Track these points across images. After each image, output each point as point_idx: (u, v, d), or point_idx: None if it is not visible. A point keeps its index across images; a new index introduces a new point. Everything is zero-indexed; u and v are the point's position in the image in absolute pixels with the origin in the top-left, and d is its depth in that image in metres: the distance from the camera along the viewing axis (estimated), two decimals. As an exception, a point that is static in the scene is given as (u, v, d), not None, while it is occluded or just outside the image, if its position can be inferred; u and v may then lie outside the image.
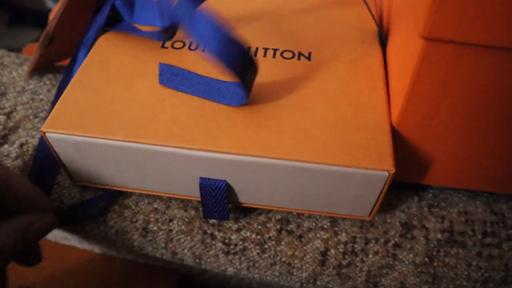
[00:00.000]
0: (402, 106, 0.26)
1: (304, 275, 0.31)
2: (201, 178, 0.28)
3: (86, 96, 0.29)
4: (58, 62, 0.40)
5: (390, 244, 0.31)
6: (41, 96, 0.37)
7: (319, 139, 0.27)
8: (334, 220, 0.32)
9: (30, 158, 0.33)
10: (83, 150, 0.28)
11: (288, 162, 0.26)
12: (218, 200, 0.29)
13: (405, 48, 0.26)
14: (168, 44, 0.34)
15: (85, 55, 0.34)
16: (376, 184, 0.27)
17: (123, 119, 0.28)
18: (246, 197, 0.30)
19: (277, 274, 0.32)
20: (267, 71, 0.31)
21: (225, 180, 0.28)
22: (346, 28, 0.35)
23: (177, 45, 0.34)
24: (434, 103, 0.25)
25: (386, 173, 0.26)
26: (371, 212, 0.30)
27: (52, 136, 0.28)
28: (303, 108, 0.29)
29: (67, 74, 0.35)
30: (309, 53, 0.33)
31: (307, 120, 0.28)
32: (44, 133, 0.28)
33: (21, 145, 0.34)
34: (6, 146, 0.34)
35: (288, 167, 0.26)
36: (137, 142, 0.27)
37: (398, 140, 0.28)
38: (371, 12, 0.34)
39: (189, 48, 0.33)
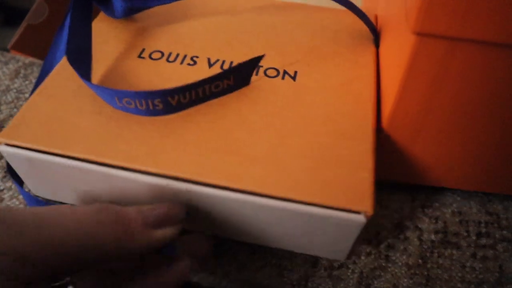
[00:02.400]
0: (393, 104, 0.25)
1: (295, 276, 0.31)
2: None
3: (50, 106, 0.27)
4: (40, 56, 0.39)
5: (382, 246, 0.30)
6: (26, 95, 0.36)
7: (293, 172, 0.24)
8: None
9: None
10: (37, 165, 0.26)
11: (256, 198, 0.23)
12: None
13: (397, 45, 0.26)
14: (145, 54, 0.31)
15: (60, 56, 0.32)
16: (352, 229, 0.24)
17: (84, 133, 0.26)
18: (210, 228, 0.27)
19: (268, 276, 0.31)
20: (247, 90, 0.29)
21: (187, 212, 0.25)
22: (339, 46, 0.32)
23: (155, 55, 0.31)
24: (426, 101, 0.25)
25: (362, 218, 0.23)
26: (347, 255, 0.27)
27: (5, 149, 0.26)
28: (281, 135, 0.26)
29: (43, 71, 0.33)
30: (295, 72, 0.30)
31: (284, 150, 0.25)
32: None
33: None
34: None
35: (255, 204, 0.24)
36: (93, 161, 0.25)
37: (390, 140, 0.28)
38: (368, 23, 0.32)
39: (167, 60, 0.31)
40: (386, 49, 0.29)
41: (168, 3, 0.33)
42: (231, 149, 0.25)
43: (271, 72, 0.30)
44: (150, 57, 0.31)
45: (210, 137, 0.26)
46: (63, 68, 0.30)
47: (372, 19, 0.34)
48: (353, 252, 0.29)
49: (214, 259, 0.31)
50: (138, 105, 0.26)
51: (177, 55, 0.31)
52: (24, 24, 0.35)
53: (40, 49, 0.37)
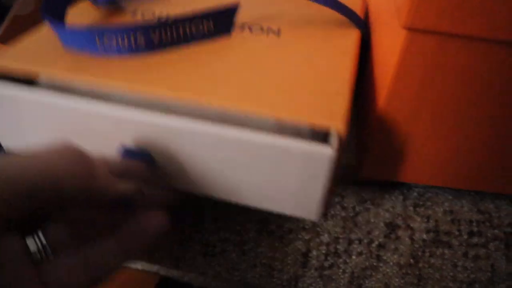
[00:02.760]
0: (385, 100, 0.25)
1: (285, 277, 0.30)
2: (122, 146, 0.25)
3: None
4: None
5: (374, 245, 0.30)
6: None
7: (269, 92, 0.24)
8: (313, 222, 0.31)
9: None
10: (6, 106, 0.26)
11: (218, 129, 0.23)
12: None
13: (389, 40, 0.25)
14: (138, 15, 0.32)
15: None
16: (320, 165, 0.22)
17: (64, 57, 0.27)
18: (176, 179, 0.27)
19: (258, 276, 0.31)
20: (230, 41, 0.30)
21: (149, 153, 0.25)
22: (325, 19, 0.33)
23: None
24: (417, 96, 0.24)
25: (329, 150, 0.21)
26: (319, 211, 0.25)
27: None
28: (259, 69, 0.26)
29: None
30: (279, 30, 0.31)
31: (260, 78, 0.26)
32: None
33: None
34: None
35: (214, 135, 0.23)
36: (62, 88, 0.25)
37: (382, 137, 0.27)
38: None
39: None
40: (377, 44, 0.29)
41: None
42: (216, 78, 0.25)
43: (256, 28, 0.31)
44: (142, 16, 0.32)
45: (189, 68, 0.26)
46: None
47: (363, 9, 0.35)
48: (327, 207, 0.28)
49: (204, 258, 0.31)
50: (120, 42, 0.26)
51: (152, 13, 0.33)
52: (10, 16, 0.34)
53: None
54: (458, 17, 0.20)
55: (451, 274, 0.29)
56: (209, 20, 0.28)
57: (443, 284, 0.29)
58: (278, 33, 0.31)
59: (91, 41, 0.26)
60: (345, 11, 0.32)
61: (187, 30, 0.27)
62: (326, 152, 0.21)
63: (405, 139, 0.27)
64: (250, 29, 0.31)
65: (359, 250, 0.30)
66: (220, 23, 0.29)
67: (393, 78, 0.24)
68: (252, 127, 0.23)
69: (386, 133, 0.27)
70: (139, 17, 0.32)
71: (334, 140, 0.21)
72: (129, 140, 0.25)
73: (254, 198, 0.26)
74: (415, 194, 0.32)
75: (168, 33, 0.27)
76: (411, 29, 0.21)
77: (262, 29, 0.31)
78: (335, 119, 0.22)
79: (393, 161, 0.29)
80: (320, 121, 0.22)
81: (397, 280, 0.29)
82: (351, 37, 0.30)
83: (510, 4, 0.19)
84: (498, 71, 0.22)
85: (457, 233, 0.30)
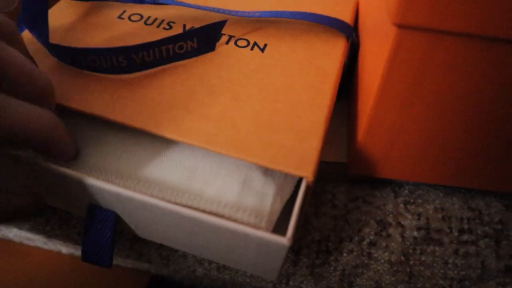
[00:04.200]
0: (375, 99, 0.25)
1: (276, 275, 0.30)
2: (90, 204, 0.24)
3: None
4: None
5: (365, 243, 0.30)
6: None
7: (243, 133, 0.25)
8: (307, 218, 0.31)
9: None
10: None
11: (173, 207, 0.22)
12: (102, 235, 0.25)
13: (378, 38, 0.25)
14: (125, 15, 0.33)
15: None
16: (276, 252, 0.22)
17: None
18: (142, 233, 0.26)
19: (248, 275, 0.31)
20: (214, 56, 0.29)
21: (114, 212, 0.24)
22: (312, 31, 0.33)
23: (134, 18, 0.32)
24: (408, 94, 0.24)
25: (285, 241, 0.21)
26: (277, 275, 0.25)
27: None
28: (238, 99, 0.27)
29: None
30: (265, 45, 0.31)
31: (238, 112, 0.26)
32: None
33: None
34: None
35: (172, 212, 0.22)
36: None
37: (371, 136, 0.27)
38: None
39: (145, 23, 0.32)
40: (367, 42, 0.29)
41: (125, 2, 0.33)
42: (188, 107, 0.26)
43: (242, 43, 0.31)
44: (129, 18, 0.32)
45: (170, 95, 0.27)
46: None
47: (354, 11, 0.34)
48: (283, 273, 0.29)
49: (194, 257, 0.31)
50: (102, 62, 0.26)
51: (155, 19, 0.32)
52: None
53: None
54: (449, 13, 0.20)
55: (441, 271, 0.29)
56: (193, 40, 0.28)
57: (433, 282, 0.29)
58: (263, 49, 0.31)
59: (75, 59, 0.26)
60: (330, 22, 0.32)
61: (170, 50, 0.27)
62: (282, 242, 0.21)
63: (396, 136, 0.27)
64: (235, 43, 0.31)
65: (350, 247, 0.30)
66: (204, 41, 0.29)
67: (384, 75, 0.24)
68: (215, 189, 0.24)
69: (377, 130, 0.27)
70: (125, 20, 0.32)
71: (290, 231, 0.21)
72: (95, 200, 0.24)
73: (218, 257, 0.26)
74: (406, 191, 0.32)
75: (151, 54, 0.27)
76: (401, 26, 0.21)
77: (248, 43, 0.31)
78: (305, 168, 0.23)
79: (384, 158, 0.29)
80: (290, 169, 0.23)
81: (388, 277, 0.29)
82: (335, 59, 0.30)
83: (501, 0, 0.19)
84: (489, 68, 0.22)
85: (447, 230, 0.30)
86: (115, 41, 0.30)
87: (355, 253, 0.30)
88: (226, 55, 0.30)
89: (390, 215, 0.31)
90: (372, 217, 0.31)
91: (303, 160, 0.23)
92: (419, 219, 0.31)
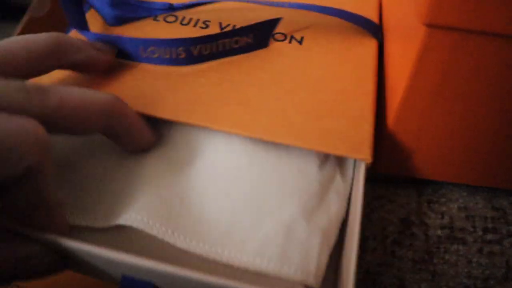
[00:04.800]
0: (401, 98, 0.25)
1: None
2: (123, 276, 0.22)
3: None
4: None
5: (388, 241, 0.30)
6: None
7: (297, 122, 0.25)
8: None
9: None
10: None
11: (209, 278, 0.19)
12: None
13: (406, 37, 0.25)
14: (160, 17, 0.33)
15: None
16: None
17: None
18: None
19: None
20: (258, 51, 0.30)
21: (151, 282, 0.22)
22: (344, 24, 0.33)
23: (169, 19, 0.33)
24: (434, 93, 0.24)
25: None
26: None
27: None
28: (286, 91, 0.27)
29: None
30: (302, 38, 0.32)
31: (288, 103, 0.27)
32: None
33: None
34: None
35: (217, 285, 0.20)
36: None
37: (397, 134, 0.28)
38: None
39: (181, 23, 0.33)
40: (393, 42, 0.29)
41: (157, 14, 0.34)
42: (241, 101, 0.26)
43: (279, 37, 0.32)
44: (164, 20, 0.33)
45: (221, 91, 0.27)
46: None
47: (378, 12, 0.34)
48: None
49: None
50: (162, 54, 0.27)
51: (190, 19, 0.33)
52: (26, 18, 0.34)
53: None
54: (480, 13, 0.20)
55: (465, 270, 0.29)
56: (248, 35, 0.29)
57: (457, 280, 0.29)
58: (300, 41, 0.31)
59: (135, 49, 0.28)
60: (362, 22, 0.32)
61: (226, 45, 0.28)
62: None
63: (421, 135, 0.27)
64: (273, 37, 0.32)
65: (373, 246, 0.30)
66: (259, 37, 0.30)
67: (411, 75, 0.24)
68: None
69: (402, 129, 0.27)
70: (161, 21, 0.33)
71: None
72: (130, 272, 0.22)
73: None
74: (429, 190, 0.32)
75: (208, 48, 0.28)
76: (430, 26, 0.21)
77: (285, 37, 0.32)
78: (362, 150, 0.24)
79: (408, 157, 0.29)
80: (348, 152, 0.24)
81: (411, 275, 0.30)
82: (370, 47, 0.31)
83: (531, 1, 0.19)
84: (517, 67, 0.22)
85: (471, 229, 0.30)
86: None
87: (378, 252, 0.30)
88: (268, 49, 0.31)
89: (414, 214, 0.31)
90: (395, 216, 0.31)
91: (359, 143, 0.24)
92: (442, 218, 0.31)
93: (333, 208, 0.24)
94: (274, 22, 0.30)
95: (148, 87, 0.27)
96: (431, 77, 0.24)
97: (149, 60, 0.28)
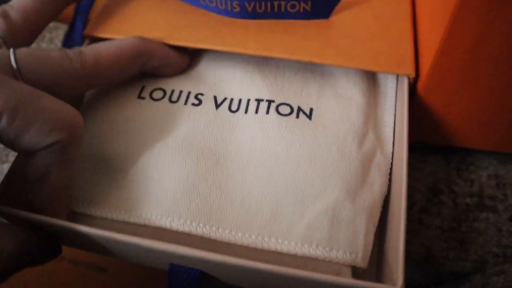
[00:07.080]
0: (433, 61, 0.24)
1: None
2: (171, 264, 0.22)
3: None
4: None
5: (415, 209, 0.30)
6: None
7: (343, 46, 0.27)
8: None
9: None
10: None
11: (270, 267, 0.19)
12: None
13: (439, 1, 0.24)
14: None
15: (82, 25, 0.33)
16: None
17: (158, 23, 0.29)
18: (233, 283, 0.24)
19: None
20: None
21: (199, 269, 0.22)
22: None
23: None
24: (468, 57, 0.23)
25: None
26: None
27: None
28: (331, 19, 0.29)
29: (67, 41, 0.34)
30: None
31: (332, 30, 0.28)
32: None
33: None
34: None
35: (264, 271, 0.19)
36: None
37: (427, 100, 0.27)
38: None
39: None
40: (423, 4, 0.28)
41: None
42: (288, 31, 0.28)
43: None
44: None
45: (268, 24, 0.29)
46: None
47: None
48: None
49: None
50: (218, 4, 0.29)
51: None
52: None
53: (64, 13, 0.36)
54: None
55: (495, 238, 0.29)
56: (307, 2, 0.28)
57: (486, 249, 0.29)
58: None
59: None
60: None
61: (282, 7, 0.29)
62: None
63: (453, 99, 0.26)
64: None
65: (400, 214, 0.30)
66: (318, 6, 0.29)
67: (443, 38, 0.23)
68: None
69: (433, 94, 0.26)
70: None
71: (400, 280, 0.19)
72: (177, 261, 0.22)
73: None
74: (458, 158, 0.32)
75: (263, 6, 0.28)
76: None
77: None
78: (406, 67, 0.25)
79: (438, 124, 0.28)
80: (392, 69, 0.25)
81: (439, 243, 0.29)
82: None
83: None
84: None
85: (502, 197, 0.30)
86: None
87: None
88: None
89: (442, 182, 0.30)
90: (423, 184, 0.30)
91: (401, 60, 0.26)
92: (471, 186, 0.30)
93: (376, 185, 0.24)
94: None
95: (204, 25, 0.29)
96: (465, 40, 0.23)
97: (207, 8, 0.30)
